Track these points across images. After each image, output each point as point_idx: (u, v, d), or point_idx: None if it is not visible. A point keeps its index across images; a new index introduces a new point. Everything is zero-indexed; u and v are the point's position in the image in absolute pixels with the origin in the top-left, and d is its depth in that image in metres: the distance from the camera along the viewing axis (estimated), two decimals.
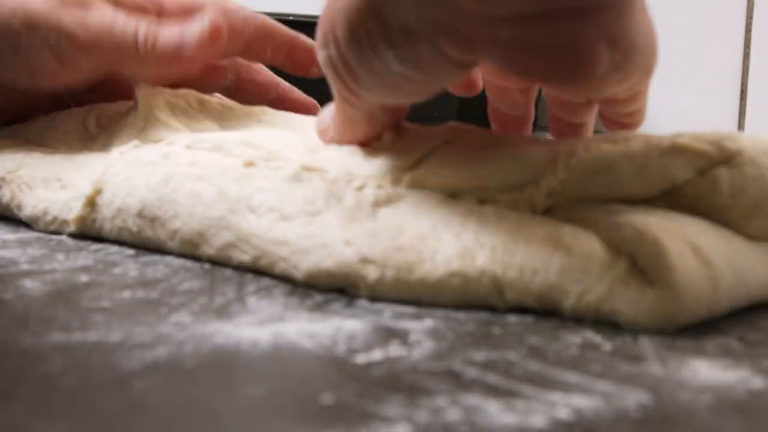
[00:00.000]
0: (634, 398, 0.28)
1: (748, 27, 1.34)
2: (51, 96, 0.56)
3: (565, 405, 0.27)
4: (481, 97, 0.51)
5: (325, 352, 0.31)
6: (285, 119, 0.53)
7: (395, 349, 0.31)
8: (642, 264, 0.34)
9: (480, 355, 0.31)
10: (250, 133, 0.47)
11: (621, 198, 0.37)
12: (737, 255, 0.36)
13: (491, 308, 0.36)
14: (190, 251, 0.42)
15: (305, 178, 0.41)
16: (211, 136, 0.47)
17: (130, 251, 0.43)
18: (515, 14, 0.33)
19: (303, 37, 0.56)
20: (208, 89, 0.55)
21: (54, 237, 0.46)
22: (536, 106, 0.52)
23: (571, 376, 0.29)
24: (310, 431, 0.25)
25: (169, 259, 0.42)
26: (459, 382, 0.29)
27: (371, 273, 0.36)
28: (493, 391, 0.28)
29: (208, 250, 0.41)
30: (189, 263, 0.41)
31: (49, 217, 0.47)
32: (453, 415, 0.26)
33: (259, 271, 0.40)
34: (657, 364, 0.31)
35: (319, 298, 0.37)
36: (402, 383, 0.29)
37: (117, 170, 0.46)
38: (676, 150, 0.37)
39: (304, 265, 0.38)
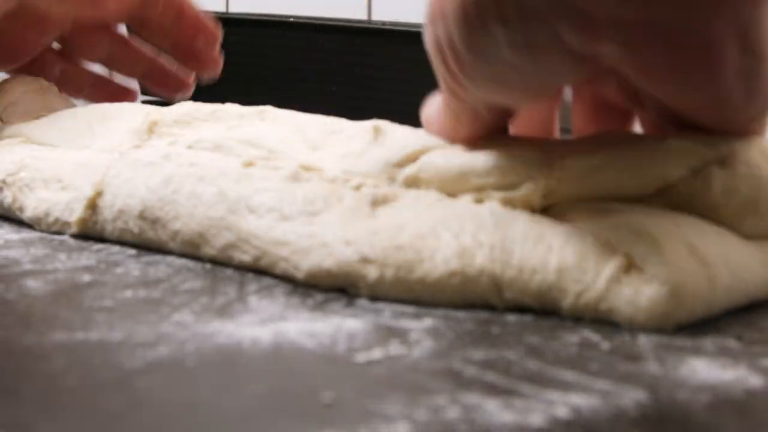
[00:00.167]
0: (632, 397, 0.28)
1: None
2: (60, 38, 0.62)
3: (563, 403, 0.27)
4: None
5: (326, 351, 0.31)
6: (286, 116, 0.53)
7: (395, 348, 0.32)
8: (639, 263, 0.34)
9: (479, 354, 0.31)
10: (251, 131, 0.47)
11: (617, 197, 0.38)
12: (733, 253, 0.36)
13: (490, 307, 0.36)
14: (191, 252, 0.42)
15: (304, 178, 0.42)
16: (212, 135, 0.47)
17: (132, 251, 0.44)
18: None
19: (192, 3, 0.63)
20: (90, 54, 0.63)
21: (56, 237, 0.46)
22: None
23: (570, 375, 0.29)
24: (310, 429, 0.26)
25: (170, 259, 0.42)
26: (458, 381, 0.29)
27: (371, 272, 0.37)
28: (492, 389, 0.28)
29: (209, 250, 0.41)
30: (190, 263, 0.42)
31: (51, 219, 0.47)
32: (452, 413, 0.26)
33: (260, 271, 0.40)
34: (655, 362, 0.31)
35: (319, 297, 0.37)
36: (402, 382, 0.29)
37: (117, 171, 0.46)
38: (670, 149, 0.37)
39: (304, 264, 0.38)
